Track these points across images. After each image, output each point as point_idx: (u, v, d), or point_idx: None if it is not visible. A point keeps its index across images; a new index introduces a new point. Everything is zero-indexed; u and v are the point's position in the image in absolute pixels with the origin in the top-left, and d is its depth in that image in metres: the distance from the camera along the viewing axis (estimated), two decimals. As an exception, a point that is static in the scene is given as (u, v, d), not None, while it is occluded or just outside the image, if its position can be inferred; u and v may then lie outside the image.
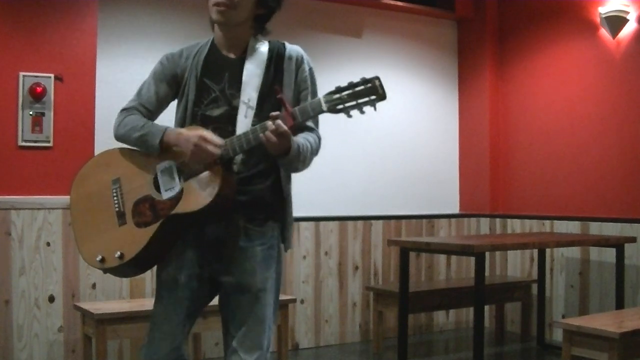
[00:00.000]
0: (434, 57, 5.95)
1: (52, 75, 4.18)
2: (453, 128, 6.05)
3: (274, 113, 2.03)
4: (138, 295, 4.46)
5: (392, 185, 5.66)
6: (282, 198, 2.26)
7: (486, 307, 5.50)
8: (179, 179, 2.13)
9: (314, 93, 2.28)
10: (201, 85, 2.24)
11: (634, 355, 3.55)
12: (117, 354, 4.36)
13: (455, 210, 6.02)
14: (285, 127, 2.00)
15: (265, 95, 2.20)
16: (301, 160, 2.14)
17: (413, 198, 5.76)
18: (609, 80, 5.00)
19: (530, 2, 5.63)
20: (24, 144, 4.11)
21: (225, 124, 2.18)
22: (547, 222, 5.39)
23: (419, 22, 5.85)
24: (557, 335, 4.90)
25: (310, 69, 2.31)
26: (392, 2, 5.55)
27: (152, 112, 2.33)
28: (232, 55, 2.27)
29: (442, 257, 5.78)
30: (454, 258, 5.82)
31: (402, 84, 5.76)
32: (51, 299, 4.16)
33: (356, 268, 5.37)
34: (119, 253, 2.15)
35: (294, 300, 4.62)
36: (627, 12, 4.84)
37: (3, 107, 4.09)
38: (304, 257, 5.15)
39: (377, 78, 2.04)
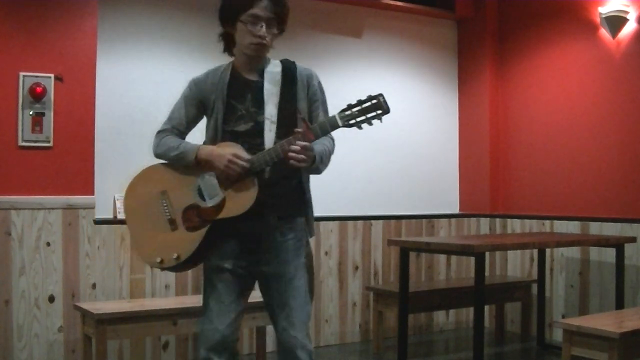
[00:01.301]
0: (434, 57, 5.96)
1: (52, 75, 4.18)
2: (453, 128, 6.05)
3: (297, 129, 2.41)
4: (138, 296, 4.46)
5: (392, 185, 5.66)
6: (304, 195, 2.64)
7: (486, 307, 5.50)
8: (220, 188, 2.50)
9: (324, 103, 2.68)
10: (228, 106, 2.60)
11: (634, 355, 3.55)
12: (117, 354, 4.36)
13: (455, 210, 6.02)
14: (306, 143, 2.38)
15: (283, 110, 2.57)
16: (323, 164, 2.56)
17: (413, 198, 5.76)
18: (609, 80, 5.00)
19: (530, 2, 5.63)
20: (24, 144, 4.11)
21: (252, 138, 2.54)
22: (547, 222, 5.39)
23: (419, 22, 5.86)
24: (557, 335, 4.90)
25: (319, 83, 2.68)
26: (392, 2, 5.55)
27: (182, 132, 2.70)
28: (252, 78, 2.62)
29: (442, 257, 5.78)
30: (454, 258, 5.82)
31: (402, 84, 5.76)
32: (51, 299, 4.16)
33: (356, 268, 5.37)
34: (175, 255, 2.52)
35: (294, 300, 4.61)
36: (627, 12, 4.84)
37: (3, 107, 4.09)
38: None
39: (381, 95, 2.37)
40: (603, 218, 4.98)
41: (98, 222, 4.33)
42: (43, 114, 4.15)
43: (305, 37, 5.28)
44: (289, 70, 2.63)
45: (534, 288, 5.30)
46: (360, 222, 5.40)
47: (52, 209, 4.16)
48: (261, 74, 2.61)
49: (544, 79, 5.51)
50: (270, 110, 2.54)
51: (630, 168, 4.86)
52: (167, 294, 4.56)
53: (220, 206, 2.47)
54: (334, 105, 5.78)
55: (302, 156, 2.38)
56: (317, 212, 5.18)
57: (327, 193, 5.31)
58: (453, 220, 5.89)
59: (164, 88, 4.74)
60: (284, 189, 2.57)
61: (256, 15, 2.52)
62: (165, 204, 2.58)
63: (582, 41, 5.19)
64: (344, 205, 5.39)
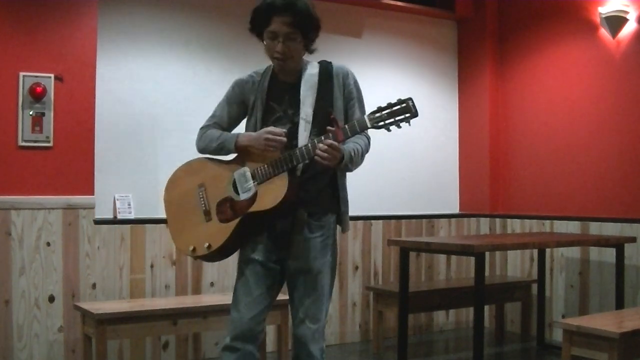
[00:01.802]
0: (434, 57, 5.96)
1: (52, 75, 4.18)
2: (453, 128, 6.05)
3: (329, 127, 2.47)
4: (138, 295, 4.46)
5: (392, 185, 5.66)
6: (337, 193, 2.72)
7: (486, 307, 5.51)
8: (254, 183, 2.59)
9: (360, 101, 2.74)
10: (267, 107, 2.69)
11: (634, 355, 3.55)
12: (117, 354, 4.36)
13: (455, 210, 6.02)
14: (333, 142, 2.43)
15: (319, 110, 2.63)
16: (354, 163, 2.61)
17: (413, 198, 5.76)
18: (609, 80, 5.00)
19: (530, 2, 5.63)
20: (24, 144, 4.12)
21: (289, 139, 2.58)
22: (547, 222, 5.39)
23: (419, 22, 5.86)
24: (557, 335, 4.90)
25: (355, 82, 2.74)
26: (392, 2, 5.55)
27: (225, 129, 2.79)
28: (290, 80, 2.69)
29: (442, 257, 5.78)
30: (454, 258, 5.82)
31: (402, 84, 5.76)
32: (51, 299, 4.16)
33: (356, 268, 5.37)
34: (207, 244, 2.62)
35: (294, 300, 4.61)
36: (627, 12, 4.84)
37: (3, 107, 4.09)
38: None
39: (410, 99, 2.43)
40: (603, 218, 4.98)
41: (98, 222, 4.33)
42: (43, 114, 4.15)
43: (305, 37, 5.28)
44: (325, 71, 2.69)
45: (534, 288, 5.30)
46: (360, 222, 5.40)
47: (52, 209, 4.16)
48: (299, 77, 2.68)
49: (544, 79, 5.51)
50: (306, 110, 2.62)
51: (630, 168, 4.86)
52: (167, 294, 4.56)
53: (252, 200, 2.57)
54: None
55: (328, 155, 2.44)
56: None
57: (327, 193, 5.31)
58: (453, 220, 5.89)
59: (164, 88, 4.75)
60: (316, 186, 2.64)
61: (272, 31, 2.58)
62: (202, 196, 2.69)
63: (582, 41, 5.19)
64: (344, 205, 5.38)
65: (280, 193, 2.51)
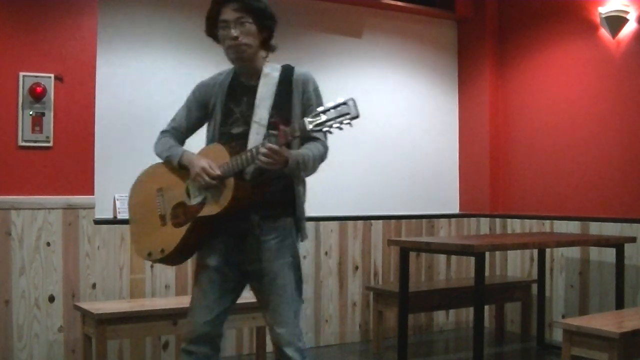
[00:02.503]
0: (434, 57, 5.96)
1: (52, 75, 4.18)
2: (453, 128, 6.05)
3: (271, 131, 2.45)
4: (138, 295, 4.46)
5: (392, 185, 5.66)
6: (293, 197, 2.65)
7: (486, 307, 5.51)
8: (203, 188, 2.58)
9: (319, 107, 2.59)
10: (226, 109, 2.69)
11: (634, 355, 3.55)
12: (117, 354, 4.36)
13: (455, 210, 6.02)
14: (273, 145, 2.40)
15: (276, 114, 2.60)
16: (303, 169, 2.55)
17: (413, 198, 5.76)
18: (609, 80, 5.00)
19: (530, 2, 5.63)
20: (24, 144, 4.12)
21: (243, 141, 2.59)
22: (547, 222, 5.39)
23: (419, 22, 5.86)
24: (557, 335, 4.90)
25: (316, 88, 2.69)
26: (392, 2, 5.55)
27: (183, 133, 2.81)
28: (249, 82, 2.69)
29: (442, 257, 5.78)
30: (454, 258, 5.82)
31: (402, 84, 5.76)
32: (51, 299, 4.16)
33: (356, 268, 5.37)
34: (161, 248, 2.66)
35: (294, 300, 4.61)
36: (627, 12, 4.84)
37: (3, 107, 4.09)
38: (304, 257, 5.14)
39: (351, 99, 2.38)
40: (603, 218, 4.98)
41: (98, 222, 4.33)
42: (43, 114, 4.15)
43: (305, 37, 5.28)
44: (285, 75, 2.67)
45: (534, 288, 5.30)
46: (360, 222, 5.40)
47: (52, 209, 4.16)
48: (259, 79, 2.66)
49: (544, 79, 5.51)
50: (261, 113, 2.59)
51: (630, 168, 4.86)
52: (167, 294, 4.56)
53: (202, 205, 2.59)
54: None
55: (269, 159, 2.42)
56: (317, 212, 5.24)
57: (327, 193, 5.31)
58: (453, 220, 5.89)
59: (164, 88, 4.74)
60: (269, 191, 2.61)
61: (223, 20, 2.60)
62: (159, 201, 2.72)
63: (582, 41, 5.18)
64: (344, 205, 5.39)
65: (226, 198, 2.52)
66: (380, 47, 5.66)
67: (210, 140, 2.72)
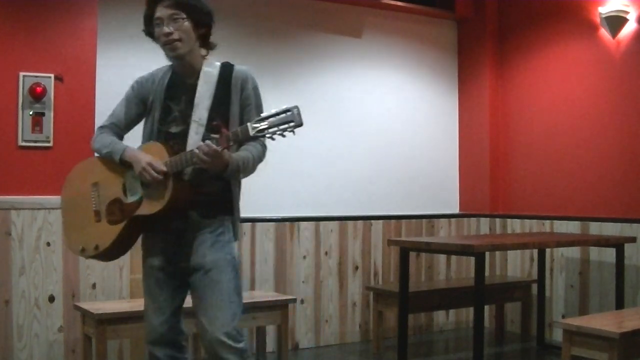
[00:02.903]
0: (434, 57, 5.96)
1: (52, 75, 4.18)
2: (453, 128, 6.05)
3: (212, 135, 2.46)
4: (138, 295, 4.45)
5: (392, 185, 5.66)
6: (230, 198, 2.64)
7: (486, 307, 5.51)
8: (141, 186, 2.56)
9: (258, 107, 2.65)
10: (164, 107, 2.66)
11: (634, 355, 3.55)
12: (117, 354, 4.36)
13: (455, 210, 6.02)
14: (214, 147, 2.38)
15: (215, 114, 2.58)
16: (242, 170, 2.56)
17: (413, 198, 5.76)
18: (609, 80, 5.00)
19: (530, 2, 5.63)
20: (24, 144, 4.11)
21: (182, 140, 2.58)
22: (547, 222, 5.39)
23: (419, 22, 5.85)
24: (557, 335, 4.90)
25: (255, 87, 2.66)
26: (392, 2, 5.55)
27: (122, 129, 2.77)
28: (188, 80, 2.65)
29: (442, 257, 5.78)
30: (454, 258, 5.82)
31: (402, 84, 5.76)
32: (51, 299, 4.16)
33: (356, 268, 5.37)
34: (95, 245, 2.62)
35: (294, 300, 4.61)
36: (627, 12, 4.84)
37: (3, 107, 4.09)
38: (304, 257, 5.15)
39: (296, 107, 2.35)
40: (603, 218, 4.98)
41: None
42: (43, 114, 4.15)
43: (305, 37, 5.28)
44: (224, 73, 2.64)
45: (534, 288, 5.30)
46: (360, 222, 5.40)
47: (52, 209, 4.15)
48: (198, 77, 2.64)
49: (544, 79, 5.51)
50: (200, 113, 2.57)
51: (630, 168, 4.86)
52: (167, 294, 4.55)
53: (139, 203, 2.56)
54: (334, 106, 5.77)
55: (208, 161, 2.40)
56: (317, 212, 5.24)
57: (327, 193, 5.32)
58: (453, 220, 5.89)
59: (164, 88, 4.74)
60: (208, 191, 2.58)
61: (158, 17, 2.60)
62: (94, 196, 2.67)
63: (582, 41, 5.19)
64: (344, 205, 5.39)
65: (165, 197, 2.49)
66: (380, 47, 5.66)
67: (147, 137, 2.69)
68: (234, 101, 2.61)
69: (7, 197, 4.07)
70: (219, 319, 2.51)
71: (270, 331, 4.78)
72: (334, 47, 5.43)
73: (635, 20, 4.85)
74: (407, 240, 4.71)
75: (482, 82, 5.88)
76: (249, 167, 2.57)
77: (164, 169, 2.50)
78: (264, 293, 4.76)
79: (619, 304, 4.54)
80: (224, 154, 2.43)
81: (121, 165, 2.62)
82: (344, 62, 5.48)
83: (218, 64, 2.67)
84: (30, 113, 4.12)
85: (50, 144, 4.18)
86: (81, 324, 4.07)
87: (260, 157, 2.62)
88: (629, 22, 4.87)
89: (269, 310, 4.37)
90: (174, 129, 2.62)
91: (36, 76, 4.14)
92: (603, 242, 4.53)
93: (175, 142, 2.58)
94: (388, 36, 5.70)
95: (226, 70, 2.65)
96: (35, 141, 4.14)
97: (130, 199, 2.58)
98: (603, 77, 5.05)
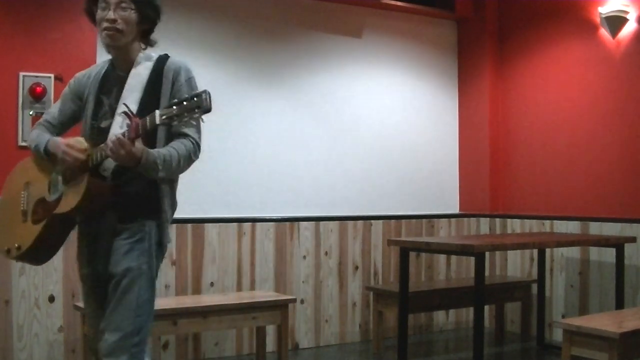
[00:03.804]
0: (434, 57, 5.96)
1: (52, 75, 4.18)
2: (453, 128, 6.05)
3: (127, 122, 2.29)
4: (138, 295, 4.45)
5: (392, 185, 5.66)
6: (157, 199, 2.46)
7: (486, 307, 5.51)
8: (62, 183, 2.48)
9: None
10: (97, 101, 2.54)
11: (634, 355, 3.55)
12: (117, 354, 4.36)
13: (455, 210, 6.02)
14: (119, 137, 2.24)
15: (145, 107, 2.40)
16: (163, 169, 2.35)
17: (413, 198, 5.76)
18: (609, 80, 5.00)
19: (530, 2, 5.63)
20: (24, 144, 4.11)
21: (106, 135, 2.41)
22: (547, 222, 5.39)
23: (419, 22, 5.86)
24: (557, 335, 4.90)
25: (189, 79, 2.52)
26: (392, 2, 5.55)
27: (55, 126, 2.66)
28: (122, 73, 2.53)
29: (442, 257, 5.78)
30: (454, 258, 5.82)
31: (402, 83, 5.76)
32: (51, 299, 4.16)
33: (356, 268, 5.37)
34: (17, 245, 2.53)
35: (294, 300, 4.62)
36: (627, 12, 4.84)
37: (3, 107, 4.09)
38: (304, 257, 5.15)
39: (205, 91, 2.20)
40: (603, 218, 4.98)
41: (98, 222, 4.32)
42: (43, 114, 4.14)
43: (305, 37, 5.28)
44: (158, 65, 2.51)
45: (534, 288, 5.30)
46: (360, 222, 5.40)
47: (52, 209, 4.15)
48: (130, 69, 2.53)
49: (544, 79, 5.51)
50: (129, 106, 2.39)
51: (630, 168, 4.86)
52: (167, 293, 4.56)
53: (59, 201, 2.46)
54: (334, 106, 5.76)
55: (115, 149, 2.25)
56: (317, 212, 5.23)
57: (327, 193, 5.31)
58: (453, 220, 5.89)
59: (164, 88, 4.74)
60: (128, 191, 2.42)
61: (105, 0, 2.47)
62: (23, 196, 2.60)
63: (582, 41, 5.19)
64: (344, 205, 5.39)
65: (79, 194, 2.36)
66: (380, 47, 5.66)
67: (83, 134, 2.57)
68: (165, 93, 2.46)
69: (7, 197, 4.06)
70: (118, 329, 2.33)
71: (270, 331, 4.78)
72: (334, 47, 5.43)
73: (635, 20, 4.85)
74: (407, 240, 4.71)
75: (482, 82, 5.88)
76: (172, 165, 2.37)
77: (85, 147, 2.40)
78: (264, 293, 4.76)
79: (619, 304, 4.54)
80: (126, 143, 2.24)
81: (48, 159, 2.52)
82: (344, 62, 5.48)
83: (155, 55, 2.55)
84: (30, 113, 4.12)
85: (50, 144, 4.17)
86: (81, 324, 4.08)
87: (188, 155, 2.43)
88: (629, 22, 4.87)
89: (269, 310, 4.37)
90: (103, 124, 2.49)
91: (36, 76, 4.14)
92: (603, 242, 4.53)
93: (106, 137, 2.39)
94: (388, 36, 5.71)
95: (160, 62, 2.52)
96: (35, 141, 4.13)
97: (52, 197, 2.49)
98: (603, 77, 5.05)
